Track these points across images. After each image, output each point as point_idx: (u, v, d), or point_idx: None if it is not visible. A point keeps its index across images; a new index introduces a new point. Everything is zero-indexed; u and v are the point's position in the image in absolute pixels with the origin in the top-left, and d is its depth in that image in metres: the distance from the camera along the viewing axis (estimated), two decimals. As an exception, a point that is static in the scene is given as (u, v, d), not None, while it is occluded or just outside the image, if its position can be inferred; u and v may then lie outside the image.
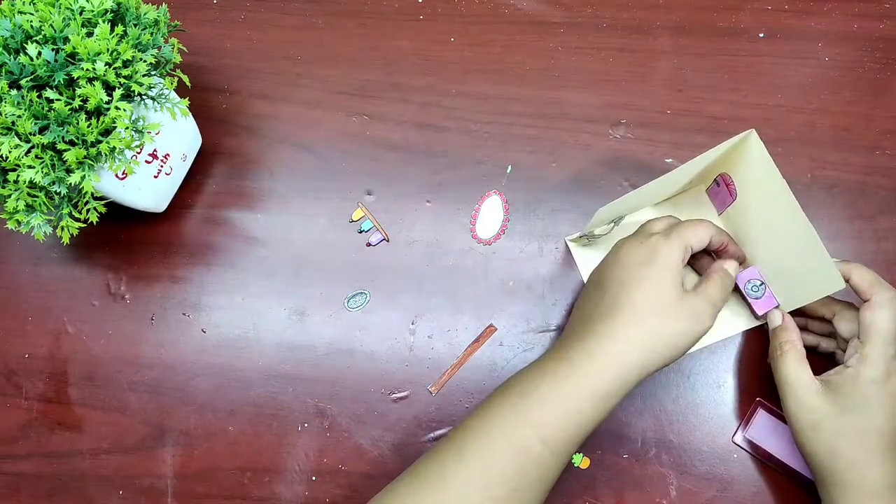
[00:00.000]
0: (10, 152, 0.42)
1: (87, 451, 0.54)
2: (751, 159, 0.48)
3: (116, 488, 0.53)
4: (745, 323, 0.53)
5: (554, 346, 0.46)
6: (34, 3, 0.45)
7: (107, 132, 0.44)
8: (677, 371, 0.53)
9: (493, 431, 0.42)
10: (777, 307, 0.50)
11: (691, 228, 0.45)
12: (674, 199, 0.56)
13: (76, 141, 0.43)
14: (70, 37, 0.43)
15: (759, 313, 0.50)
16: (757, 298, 0.50)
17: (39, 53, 0.42)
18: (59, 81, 0.43)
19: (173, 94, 0.50)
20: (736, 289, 0.51)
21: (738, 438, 0.51)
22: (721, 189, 0.53)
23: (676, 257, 0.43)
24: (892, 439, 0.43)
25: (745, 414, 0.51)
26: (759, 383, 0.52)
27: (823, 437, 0.44)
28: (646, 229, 0.47)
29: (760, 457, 0.50)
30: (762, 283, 0.50)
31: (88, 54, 0.43)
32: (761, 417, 0.51)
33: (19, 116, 0.42)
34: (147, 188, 0.52)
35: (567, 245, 0.56)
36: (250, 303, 0.56)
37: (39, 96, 0.42)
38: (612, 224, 0.53)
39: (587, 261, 0.55)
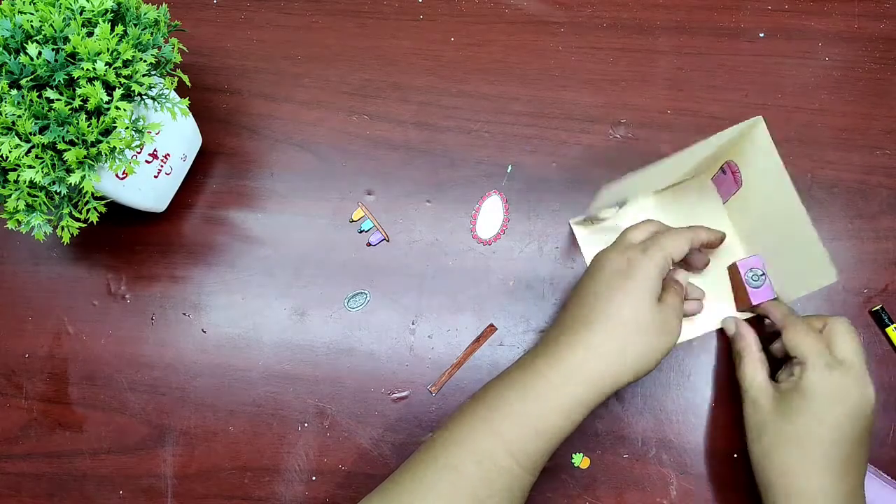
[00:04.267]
0: (10, 152, 0.42)
1: (87, 451, 0.54)
2: (757, 147, 0.48)
3: (116, 488, 0.53)
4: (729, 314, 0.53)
5: (528, 353, 0.45)
6: (34, 3, 0.45)
7: (107, 132, 0.44)
8: (677, 371, 0.53)
9: (461, 443, 0.42)
10: (774, 298, 0.50)
11: (670, 240, 0.45)
12: (678, 188, 0.56)
13: (76, 141, 0.43)
14: (70, 37, 0.43)
15: (754, 302, 0.50)
16: (756, 288, 0.50)
17: (40, 53, 0.42)
18: (60, 81, 0.43)
19: (173, 94, 0.50)
20: (736, 276, 0.51)
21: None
22: (727, 177, 0.53)
23: (653, 272, 0.43)
24: (830, 451, 0.43)
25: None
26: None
27: (765, 441, 0.45)
28: (625, 239, 0.46)
29: None
30: (763, 274, 0.50)
31: (88, 54, 0.43)
32: None
33: (19, 116, 0.42)
34: (147, 188, 0.52)
35: (571, 229, 0.55)
36: (250, 303, 0.56)
37: (39, 96, 0.42)
38: (617, 207, 0.52)
39: (590, 245, 0.55)
